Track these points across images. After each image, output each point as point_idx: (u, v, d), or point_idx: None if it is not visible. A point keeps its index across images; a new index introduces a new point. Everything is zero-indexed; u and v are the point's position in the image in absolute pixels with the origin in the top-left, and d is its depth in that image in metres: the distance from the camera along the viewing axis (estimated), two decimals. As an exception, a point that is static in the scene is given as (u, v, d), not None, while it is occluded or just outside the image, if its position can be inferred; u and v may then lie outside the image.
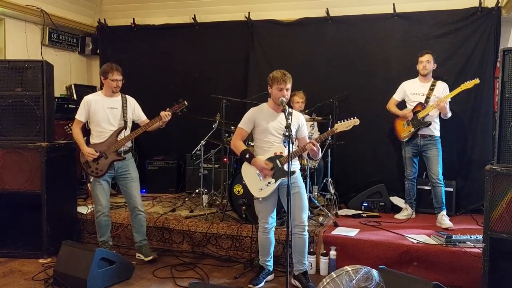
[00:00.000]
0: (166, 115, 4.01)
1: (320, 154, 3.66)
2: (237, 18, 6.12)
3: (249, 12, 6.03)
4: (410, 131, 4.70)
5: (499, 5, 5.06)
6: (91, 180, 4.19)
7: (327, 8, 5.70)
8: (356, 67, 5.69)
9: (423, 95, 4.70)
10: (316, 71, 5.82)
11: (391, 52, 5.56)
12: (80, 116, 4.12)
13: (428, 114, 4.60)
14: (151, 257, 4.21)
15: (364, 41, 5.66)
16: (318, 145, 3.49)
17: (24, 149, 4.30)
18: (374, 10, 5.59)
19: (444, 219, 4.59)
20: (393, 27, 5.55)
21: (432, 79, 4.74)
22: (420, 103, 4.68)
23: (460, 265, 3.73)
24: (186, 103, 4.14)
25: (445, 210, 4.68)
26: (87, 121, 4.17)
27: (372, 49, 5.65)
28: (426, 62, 4.65)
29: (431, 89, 4.67)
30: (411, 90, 4.79)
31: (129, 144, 4.20)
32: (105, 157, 4.05)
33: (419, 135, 4.69)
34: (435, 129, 4.68)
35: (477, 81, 4.43)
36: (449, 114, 4.63)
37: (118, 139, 4.06)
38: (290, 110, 3.67)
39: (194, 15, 6.26)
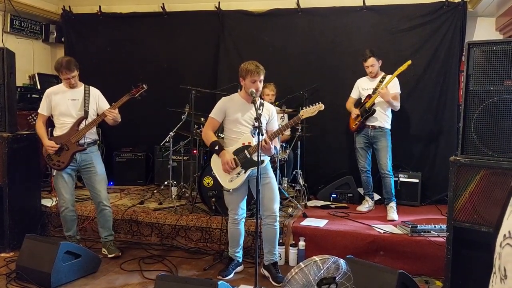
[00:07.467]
0: (109, 112, 3.90)
1: (273, 151, 3.60)
2: (207, 8, 6.03)
3: (219, 2, 5.95)
4: (358, 121, 4.77)
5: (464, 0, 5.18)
6: (54, 174, 4.06)
7: (298, 0, 5.69)
8: (326, 59, 5.71)
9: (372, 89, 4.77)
10: (287, 62, 5.81)
11: (360, 45, 5.57)
12: (42, 109, 4.02)
13: (374, 103, 4.66)
14: (113, 254, 4.13)
15: (334, 34, 5.69)
16: (271, 142, 3.44)
17: (-16, 140, 4.13)
18: (344, 2, 5.61)
19: (391, 211, 4.64)
20: (362, 20, 5.58)
21: (383, 73, 4.77)
22: (368, 95, 4.74)
23: (425, 254, 3.83)
24: (145, 86, 4.04)
25: (395, 201, 4.74)
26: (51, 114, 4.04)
27: (341, 42, 5.68)
28: (371, 67, 4.70)
29: (381, 82, 4.70)
30: (362, 87, 4.87)
31: (93, 136, 4.07)
32: (66, 148, 3.93)
33: (369, 126, 4.74)
34: (385, 122, 4.72)
35: (409, 62, 4.51)
36: (396, 104, 4.63)
37: (79, 129, 3.94)
38: (262, 101, 3.65)
39: (163, 3, 6.13)
